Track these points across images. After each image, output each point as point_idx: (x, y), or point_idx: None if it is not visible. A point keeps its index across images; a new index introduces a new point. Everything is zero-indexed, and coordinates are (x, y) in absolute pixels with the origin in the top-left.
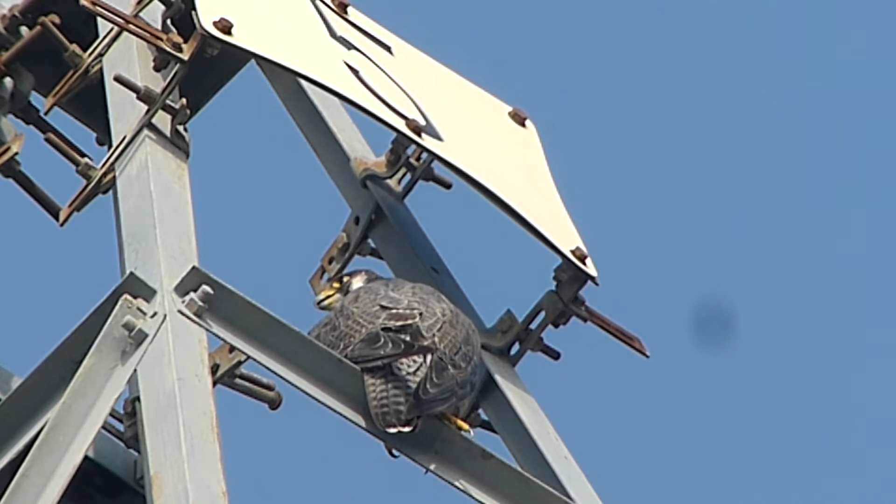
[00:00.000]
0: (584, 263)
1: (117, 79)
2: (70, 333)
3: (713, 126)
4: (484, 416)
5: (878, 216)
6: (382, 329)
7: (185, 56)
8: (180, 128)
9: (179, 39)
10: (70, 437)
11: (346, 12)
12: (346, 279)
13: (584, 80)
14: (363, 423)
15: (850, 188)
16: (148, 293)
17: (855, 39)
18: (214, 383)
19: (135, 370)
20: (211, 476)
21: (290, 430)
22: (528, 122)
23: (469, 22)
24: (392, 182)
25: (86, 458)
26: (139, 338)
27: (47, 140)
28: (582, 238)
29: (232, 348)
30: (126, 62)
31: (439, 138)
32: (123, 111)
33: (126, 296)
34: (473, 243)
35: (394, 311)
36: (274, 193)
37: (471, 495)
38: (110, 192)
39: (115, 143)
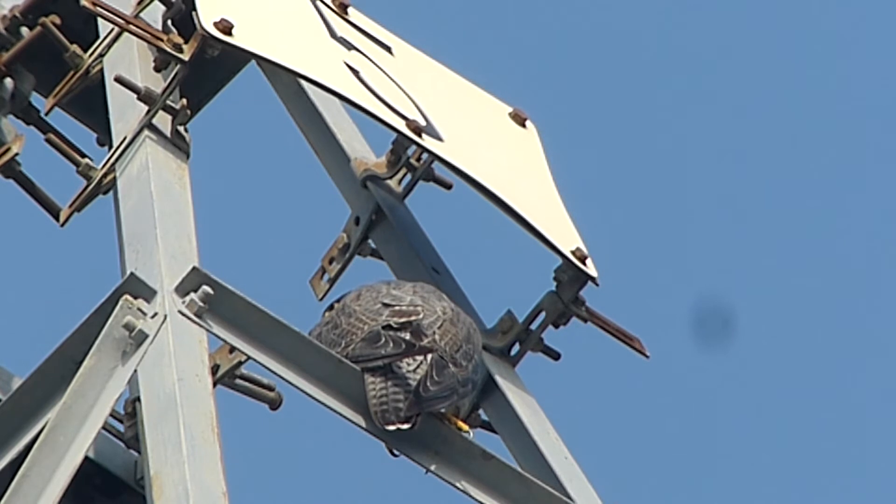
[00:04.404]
0: (585, 264)
1: (118, 79)
2: (70, 333)
3: (713, 126)
4: (484, 417)
5: (877, 215)
6: (384, 327)
7: (185, 56)
8: (181, 128)
9: (180, 40)
10: (70, 437)
11: (346, 13)
12: None
13: (584, 80)
14: (363, 423)
15: (850, 187)
16: (148, 293)
17: (855, 38)
18: (215, 384)
19: (135, 370)
20: (211, 476)
21: (290, 431)
22: (528, 123)
23: (469, 22)
24: (392, 182)
25: (86, 458)
26: (139, 338)
27: (48, 141)
28: (582, 238)
29: (232, 349)
30: (126, 63)
31: (439, 139)
32: (124, 112)
33: (126, 296)
34: (473, 243)
35: (396, 308)
36: (274, 193)
37: (471, 496)
38: (111, 192)
39: (115, 144)
